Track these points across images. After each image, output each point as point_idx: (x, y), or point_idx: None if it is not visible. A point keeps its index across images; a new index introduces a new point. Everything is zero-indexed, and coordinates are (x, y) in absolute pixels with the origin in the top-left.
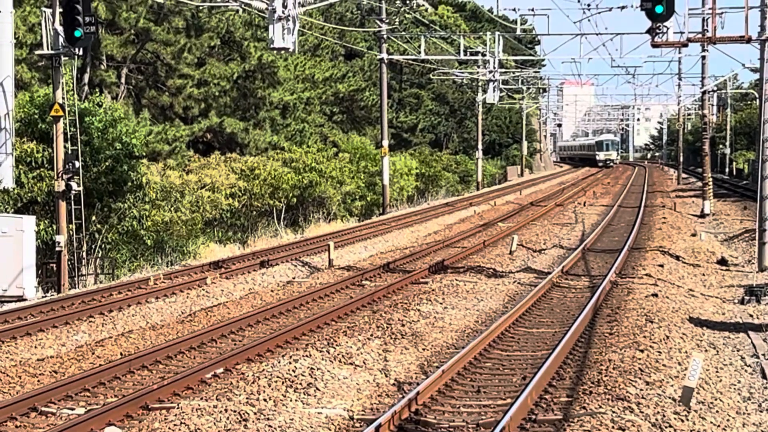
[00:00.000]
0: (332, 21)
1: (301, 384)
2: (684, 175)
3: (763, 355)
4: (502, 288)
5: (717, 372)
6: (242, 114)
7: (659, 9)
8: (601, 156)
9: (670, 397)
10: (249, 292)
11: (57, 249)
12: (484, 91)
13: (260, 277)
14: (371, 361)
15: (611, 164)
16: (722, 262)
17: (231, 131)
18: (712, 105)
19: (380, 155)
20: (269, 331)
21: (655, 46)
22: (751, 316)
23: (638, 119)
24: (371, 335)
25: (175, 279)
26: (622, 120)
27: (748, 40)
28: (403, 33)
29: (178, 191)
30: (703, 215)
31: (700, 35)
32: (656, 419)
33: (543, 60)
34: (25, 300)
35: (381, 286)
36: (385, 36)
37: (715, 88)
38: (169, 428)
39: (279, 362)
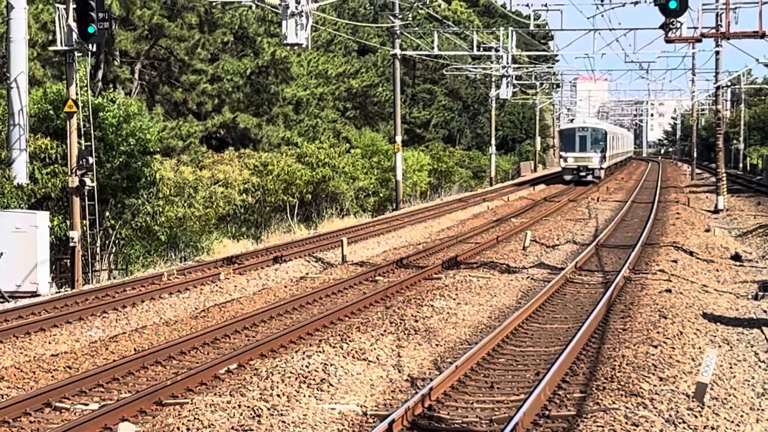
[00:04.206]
0: (345, 17)
1: (314, 380)
2: (698, 171)
3: None
4: (516, 284)
5: (731, 368)
6: (255, 110)
7: (673, 4)
8: (569, 161)
9: (683, 393)
10: (262, 287)
11: (71, 245)
12: (498, 87)
13: (273, 273)
14: (384, 357)
15: (589, 177)
16: (736, 257)
17: (244, 127)
18: (726, 100)
19: (393, 151)
20: (282, 327)
21: (668, 41)
22: (765, 311)
23: (652, 115)
24: (384, 331)
25: (189, 275)
26: (635, 115)
27: (762, 35)
28: (417, 29)
29: (192, 187)
30: (716, 211)
31: (713, 30)
32: (670, 415)
33: (556, 55)
34: (39, 295)
35: (394, 281)
36: (398, 32)
37: (729, 84)
38: (183, 424)
39: (292, 358)
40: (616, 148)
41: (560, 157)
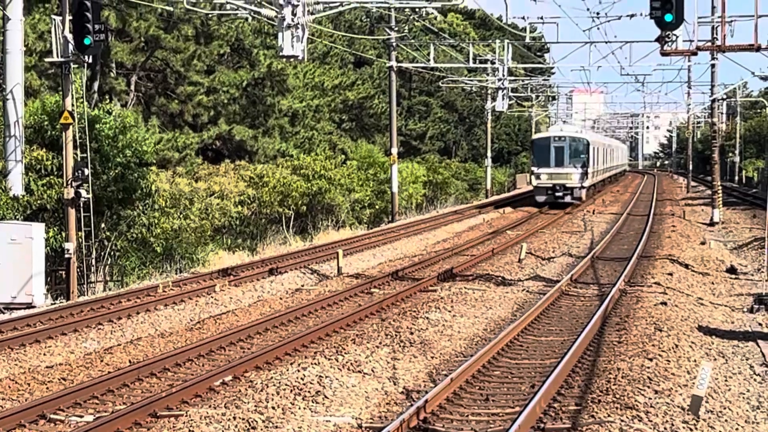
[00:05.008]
0: (341, 29)
1: (309, 392)
2: (693, 184)
3: None
4: (511, 296)
5: (726, 381)
6: (251, 121)
7: (669, 17)
8: (542, 178)
9: (679, 406)
10: (258, 299)
11: (66, 256)
12: (494, 99)
13: (269, 285)
14: (380, 369)
15: (566, 198)
16: (731, 270)
17: (240, 139)
18: (722, 113)
19: (389, 163)
20: (278, 339)
21: (664, 54)
22: (760, 324)
23: (647, 127)
24: (380, 343)
25: (184, 286)
26: (631, 128)
27: (758, 49)
28: (413, 41)
29: (188, 199)
30: (712, 223)
31: (709, 43)
32: (665, 428)
33: (552, 68)
34: (34, 307)
35: (390, 293)
36: (394, 44)
37: (725, 96)
38: None
39: (287, 370)
40: (604, 162)
41: (531, 173)
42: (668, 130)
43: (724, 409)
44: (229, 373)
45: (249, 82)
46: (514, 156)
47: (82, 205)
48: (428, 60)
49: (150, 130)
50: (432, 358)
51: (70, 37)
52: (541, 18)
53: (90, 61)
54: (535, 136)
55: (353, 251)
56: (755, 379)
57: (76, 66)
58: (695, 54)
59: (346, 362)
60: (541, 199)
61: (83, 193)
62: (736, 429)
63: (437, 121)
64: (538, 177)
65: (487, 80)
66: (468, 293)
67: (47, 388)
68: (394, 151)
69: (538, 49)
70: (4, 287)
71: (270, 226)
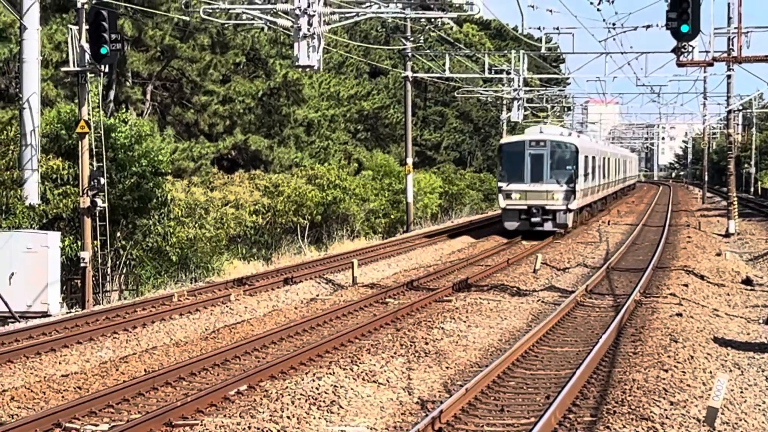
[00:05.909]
0: (357, 39)
1: (324, 401)
2: (709, 194)
3: None
4: (526, 306)
5: (742, 392)
6: (267, 131)
7: (685, 28)
8: (513, 198)
9: (694, 418)
10: (272, 309)
11: (82, 265)
12: (509, 110)
13: (284, 295)
14: (395, 379)
15: (547, 225)
16: (747, 281)
17: (255, 148)
18: (738, 124)
19: (404, 173)
20: (293, 349)
21: (680, 65)
22: None
23: (663, 138)
24: (395, 353)
25: (199, 296)
26: (646, 139)
27: None
28: (428, 51)
29: (203, 208)
30: (728, 235)
31: (725, 54)
32: None
33: (568, 78)
34: (50, 316)
35: (404, 303)
36: (409, 54)
37: (741, 108)
38: None
39: (302, 379)
40: (604, 175)
41: (499, 189)
42: (684, 141)
43: (740, 420)
44: (244, 383)
45: (264, 91)
46: None
47: (97, 214)
48: (443, 70)
49: (165, 139)
50: (447, 368)
51: (86, 46)
52: (557, 28)
53: (106, 70)
54: (503, 140)
55: (368, 261)
56: None
57: (93, 75)
58: (711, 65)
59: (361, 372)
60: (511, 226)
61: (99, 202)
62: None
63: (452, 131)
64: (507, 196)
65: (502, 90)
66: (483, 303)
67: (62, 396)
68: (409, 161)
69: (554, 60)
70: (19, 296)
71: (285, 235)
